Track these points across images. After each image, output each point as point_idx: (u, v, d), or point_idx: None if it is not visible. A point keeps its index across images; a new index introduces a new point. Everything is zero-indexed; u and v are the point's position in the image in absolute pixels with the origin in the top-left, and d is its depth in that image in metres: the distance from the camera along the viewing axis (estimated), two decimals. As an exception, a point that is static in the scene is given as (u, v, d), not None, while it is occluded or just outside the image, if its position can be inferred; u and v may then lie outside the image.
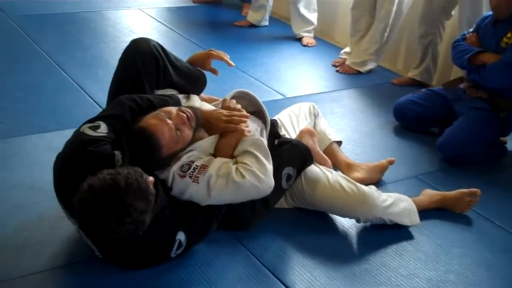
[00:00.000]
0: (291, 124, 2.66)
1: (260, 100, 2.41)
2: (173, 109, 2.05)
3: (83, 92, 3.36)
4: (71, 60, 3.82)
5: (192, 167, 2.00)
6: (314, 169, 2.35)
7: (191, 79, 2.47)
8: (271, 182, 2.05)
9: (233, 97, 2.33)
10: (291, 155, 2.29)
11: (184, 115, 2.03)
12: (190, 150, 2.08)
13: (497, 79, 2.93)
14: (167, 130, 1.97)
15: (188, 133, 2.05)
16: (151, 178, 1.79)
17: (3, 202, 2.29)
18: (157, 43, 2.36)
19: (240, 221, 2.20)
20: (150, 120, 1.98)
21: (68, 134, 2.04)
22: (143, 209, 1.71)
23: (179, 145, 2.04)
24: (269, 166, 2.06)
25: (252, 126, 2.27)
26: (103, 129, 1.95)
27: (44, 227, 2.17)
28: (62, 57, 3.85)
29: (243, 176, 1.98)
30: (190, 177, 1.98)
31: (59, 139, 2.56)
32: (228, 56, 2.54)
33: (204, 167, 2.00)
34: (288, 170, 2.25)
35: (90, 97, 3.29)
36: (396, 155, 2.80)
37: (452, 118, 3.08)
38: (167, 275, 1.98)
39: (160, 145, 1.95)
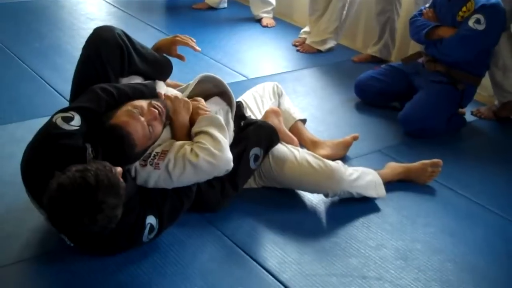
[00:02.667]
0: (256, 104, 2.68)
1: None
2: (144, 104, 2.01)
3: (43, 81, 3.30)
4: (29, 50, 3.74)
5: (152, 154, 2.00)
6: (281, 148, 2.38)
7: (157, 66, 2.44)
8: (227, 156, 2.04)
9: (198, 82, 2.33)
10: (258, 135, 2.32)
11: (156, 110, 2.01)
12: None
13: (454, 52, 3.00)
14: (141, 128, 1.95)
15: (159, 128, 2.04)
16: (119, 169, 1.78)
17: (-32, 197, 2.25)
18: (122, 31, 2.31)
19: (210, 202, 2.21)
20: (122, 117, 1.94)
21: (30, 124, 2.02)
22: (115, 204, 1.70)
23: (150, 141, 2.03)
24: (225, 141, 2.06)
25: (215, 108, 2.29)
26: (76, 121, 1.91)
27: (12, 219, 2.14)
28: (19, 47, 3.76)
29: (197, 155, 1.97)
30: (151, 164, 1.98)
31: (21, 130, 2.53)
32: (195, 41, 2.52)
33: (165, 152, 2.00)
34: (255, 150, 2.28)
35: (50, 86, 3.23)
36: (359, 131, 2.85)
37: (412, 92, 3.15)
38: (140, 259, 1.98)
39: (134, 144, 1.93)
